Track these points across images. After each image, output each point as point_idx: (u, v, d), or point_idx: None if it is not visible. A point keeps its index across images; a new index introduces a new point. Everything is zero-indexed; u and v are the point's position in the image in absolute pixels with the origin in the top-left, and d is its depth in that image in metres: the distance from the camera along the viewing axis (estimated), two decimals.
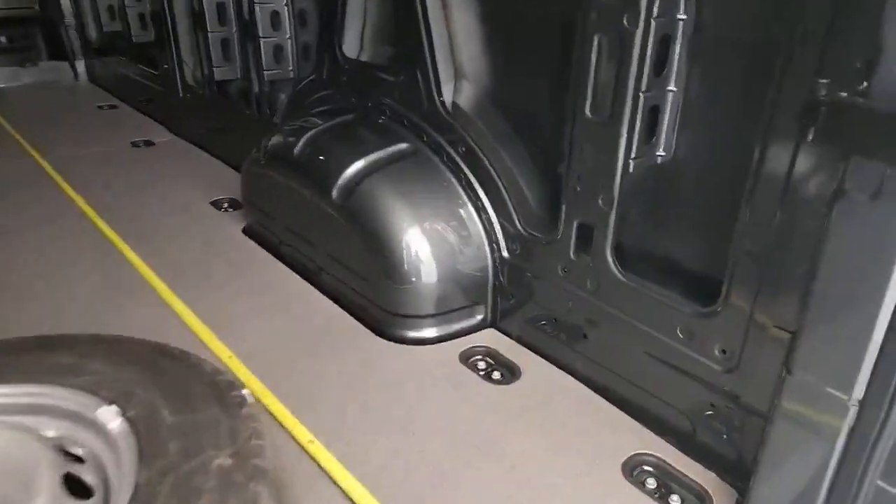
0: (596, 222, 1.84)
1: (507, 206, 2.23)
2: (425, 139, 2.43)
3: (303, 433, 1.81)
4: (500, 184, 2.24)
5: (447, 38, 2.30)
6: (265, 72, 3.48)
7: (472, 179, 2.32)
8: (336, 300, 2.56)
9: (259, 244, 3.06)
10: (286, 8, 3.32)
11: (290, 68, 3.43)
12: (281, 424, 1.85)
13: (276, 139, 2.84)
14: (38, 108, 6.16)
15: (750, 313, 1.48)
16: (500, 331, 2.35)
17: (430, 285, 2.29)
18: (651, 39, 1.58)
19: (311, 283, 2.69)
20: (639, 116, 1.65)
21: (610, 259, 1.83)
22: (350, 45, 2.76)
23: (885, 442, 1.17)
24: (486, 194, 2.29)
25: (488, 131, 2.26)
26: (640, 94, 1.63)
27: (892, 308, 1.13)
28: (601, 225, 1.82)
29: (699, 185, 1.72)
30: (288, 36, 3.38)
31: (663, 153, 1.72)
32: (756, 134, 1.40)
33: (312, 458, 1.71)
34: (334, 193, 2.40)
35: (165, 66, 4.81)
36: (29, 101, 6.37)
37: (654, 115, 1.68)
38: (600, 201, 1.80)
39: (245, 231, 3.19)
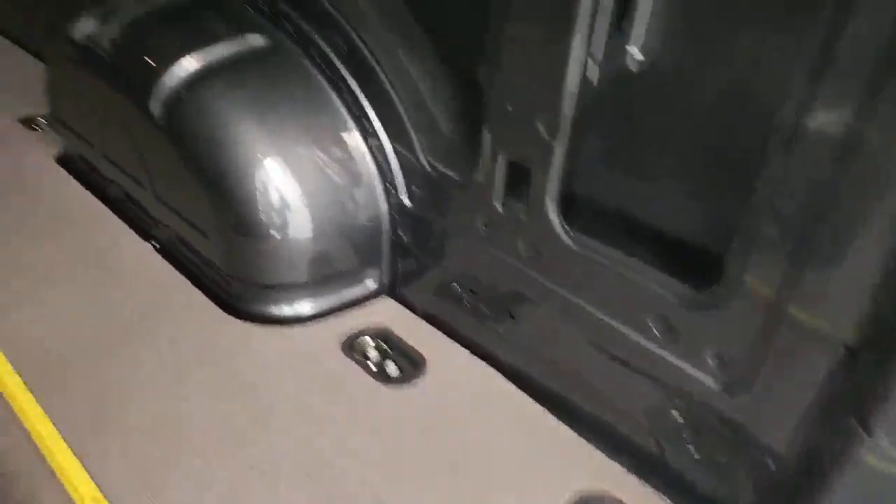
0: (534, 159, 1.23)
1: (406, 131, 1.57)
2: (290, 29, 1.69)
3: (84, 486, 1.16)
4: (396, 98, 1.57)
5: None
6: None
7: (357, 90, 1.63)
8: (174, 262, 1.84)
9: (78, 180, 2.24)
10: None
11: None
12: (53, 473, 1.19)
13: (83, 22, 1.97)
14: None
15: (773, 305, 0.95)
16: (399, 301, 1.75)
17: (299, 240, 1.62)
18: None
19: (145, 239, 1.94)
20: None
21: (553, 213, 1.24)
22: None
23: None
24: (377, 112, 1.62)
25: (381, 21, 1.56)
26: None
27: None
28: (541, 163, 1.21)
29: (697, 106, 1.11)
30: None
31: (640, 55, 1.10)
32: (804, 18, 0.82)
33: None
34: (154, 105, 1.63)
35: None
36: None
37: None
38: (541, 128, 1.18)
39: (60, 160, 2.33)
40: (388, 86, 1.57)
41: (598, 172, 1.26)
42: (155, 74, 1.66)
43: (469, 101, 1.46)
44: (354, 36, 1.59)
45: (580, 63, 1.09)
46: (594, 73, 1.10)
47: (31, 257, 1.84)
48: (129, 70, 1.77)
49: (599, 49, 1.08)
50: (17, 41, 3.48)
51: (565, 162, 1.20)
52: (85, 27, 1.96)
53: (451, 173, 1.48)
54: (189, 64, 1.64)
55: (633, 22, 1.08)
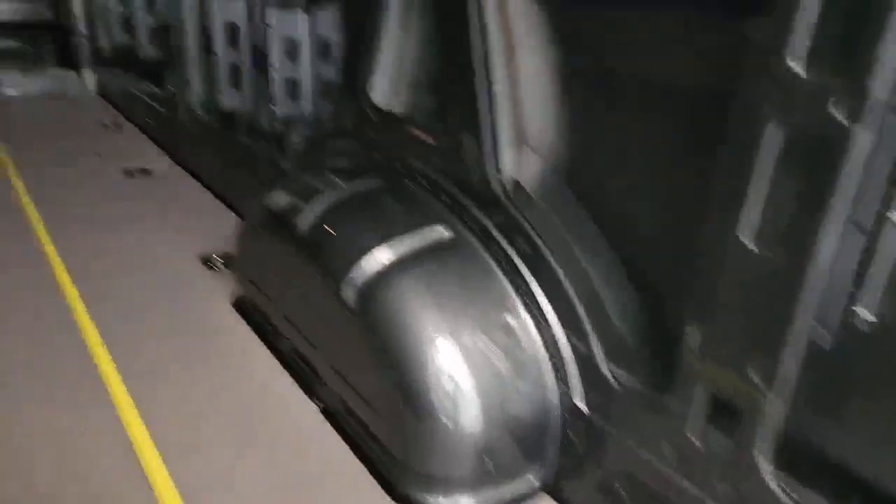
0: (743, 402, 1.18)
1: (585, 333, 1.58)
2: (470, 224, 1.81)
3: None
4: (573, 297, 1.60)
5: (511, 92, 1.69)
6: (276, 108, 2.92)
7: (534, 286, 1.68)
8: (338, 429, 1.91)
9: (251, 326, 2.43)
10: (306, 37, 2.76)
11: (307, 107, 2.87)
12: None
13: (280, 197, 2.23)
14: (36, 121, 5.70)
15: None
16: (559, 501, 1.68)
17: (469, 430, 1.63)
18: (883, 142, 0.95)
19: (310, 398, 2.05)
20: (842, 261, 1.02)
21: (766, 464, 1.17)
22: (380, 90, 2.16)
23: None
24: (555, 310, 1.65)
25: (561, 223, 1.63)
26: (852, 227, 1.00)
27: None
28: (753, 410, 1.17)
29: None
30: (306, 70, 2.81)
31: (872, 318, 1.06)
32: None
33: None
34: (344, 290, 1.77)
35: (171, 87, 4.32)
36: (30, 112, 5.93)
37: (865, 259, 1.03)
38: (752, 374, 1.15)
39: (236, 305, 2.57)
40: (566, 285, 1.61)
41: (825, 422, 1.18)
42: (342, 257, 1.81)
43: (656, 315, 1.46)
44: (533, 232, 1.67)
45: (804, 322, 1.07)
46: (822, 338, 1.07)
47: (206, 405, 1.99)
48: (321, 252, 1.94)
49: (830, 314, 1.06)
50: (200, 179, 4.01)
51: (783, 410, 1.14)
52: (281, 198, 2.22)
53: (635, 385, 1.45)
54: (375, 252, 1.78)
55: (867, 284, 1.05)
